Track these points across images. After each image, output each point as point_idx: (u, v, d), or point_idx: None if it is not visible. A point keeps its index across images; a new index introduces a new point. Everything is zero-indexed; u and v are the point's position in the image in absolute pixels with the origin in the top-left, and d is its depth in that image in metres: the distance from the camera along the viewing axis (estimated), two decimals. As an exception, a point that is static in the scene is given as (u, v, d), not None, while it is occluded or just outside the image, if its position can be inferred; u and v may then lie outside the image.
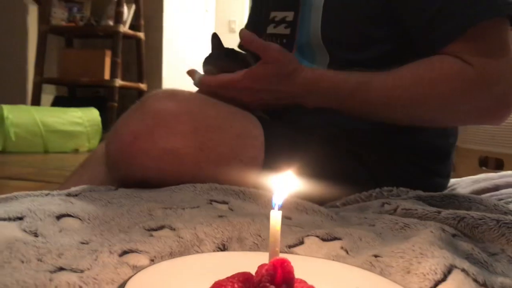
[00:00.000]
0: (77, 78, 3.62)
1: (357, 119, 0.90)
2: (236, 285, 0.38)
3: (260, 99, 0.89)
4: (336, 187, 0.89)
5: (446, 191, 0.98)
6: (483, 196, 0.95)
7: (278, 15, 1.04)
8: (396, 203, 0.75)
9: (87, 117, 3.11)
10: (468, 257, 0.52)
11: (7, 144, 2.80)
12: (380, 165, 0.95)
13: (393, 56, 0.88)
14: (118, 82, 3.52)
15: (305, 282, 0.39)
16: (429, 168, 1.00)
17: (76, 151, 3.03)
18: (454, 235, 0.59)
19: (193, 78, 0.92)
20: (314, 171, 0.84)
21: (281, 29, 1.03)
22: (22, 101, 3.61)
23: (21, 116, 2.87)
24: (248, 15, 1.23)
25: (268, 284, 0.37)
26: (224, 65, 0.91)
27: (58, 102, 3.79)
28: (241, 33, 0.85)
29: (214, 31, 0.99)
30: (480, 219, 0.62)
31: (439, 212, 0.67)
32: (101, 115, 3.16)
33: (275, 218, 0.40)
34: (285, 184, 0.40)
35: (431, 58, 0.84)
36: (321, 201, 0.84)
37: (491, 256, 0.55)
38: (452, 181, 1.23)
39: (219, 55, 0.95)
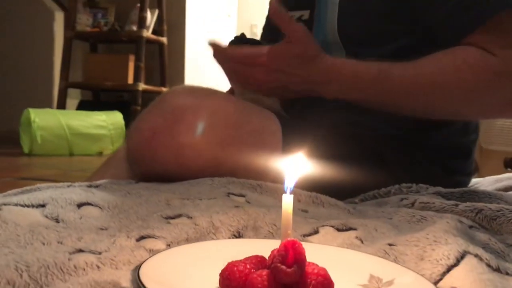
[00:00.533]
0: (101, 82, 3.68)
1: (378, 112, 0.88)
2: (248, 266, 0.39)
3: (276, 79, 0.87)
4: (355, 185, 0.89)
5: (466, 188, 0.97)
6: (505, 193, 0.94)
7: (295, 14, 1.05)
8: (414, 198, 0.75)
9: (111, 121, 3.15)
10: (485, 247, 0.52)
11: (33, 147, 2.86)
12: (399, 163, 0.95)
13: (410, 51, 0.87)
14: (142, 86, 3.56)
15: (316, 264, 0.40)
16: (450, 166, 0.99)
17: (100, 153, 3.08)
18: (471, 227, 0.59)
19: (214, 49, 0.90)
20: (333, 168, 0.84)
21: None
22: (49, 105, 3.68)
23: (47, 119, 2.94)
24: (266, 16, 1.23)
25: (279, 265, 0.38)
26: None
27: (83, 106, 3.85)
28: (270, 3, 0.83)
29: (236, 35, 0.99)
30: (498, 211, 0.62)
31: (457, 205, 0.66)
32: (124, 118, 3.21)
33: (287, 201, 0.41)
34: (296, 167, 0.41)
35: (453, 48, 0.82)
36: (339, 198, 0.84)
37: (508, 247, 0.55)
38: (475, 180, 1.22)
39: (242, 40, 0.96)
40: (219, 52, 0.90)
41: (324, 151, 0.85)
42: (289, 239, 0.39)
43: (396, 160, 0.94)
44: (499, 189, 1.06)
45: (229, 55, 0.88)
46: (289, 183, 0.41)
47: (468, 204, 0.65)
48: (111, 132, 3.15)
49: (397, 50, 0.90)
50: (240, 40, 0.98)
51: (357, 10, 0.92)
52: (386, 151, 0.94)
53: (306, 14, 1.02)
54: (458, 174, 1.01)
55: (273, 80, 0.86)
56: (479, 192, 0.83)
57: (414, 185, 0.88)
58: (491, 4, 0.79)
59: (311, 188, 0.78)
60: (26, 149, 2.90)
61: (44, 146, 2.88)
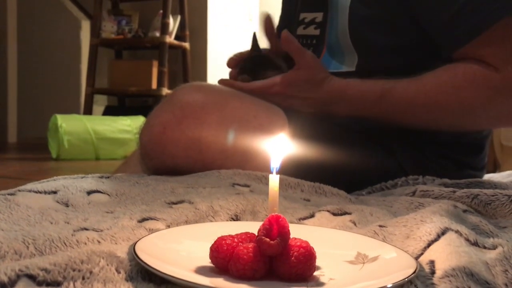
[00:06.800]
0: (126, 88, 3.76)
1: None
2: (236, 240, 0.42)
3: (291, 104, 0.91)
4: (366, 179, 0.91)
5: (472, 179, 0.97)
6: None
7: (308, 16, 1.06)
8: (415, 187, 0.77)
9: (135, 125, 3.22)
10: (475, 228, 0.54)
11: (61, 152, 2.95)
12: (411, 158, 0.96)
13: (421, 59, 0.89)
14: (165, 91, 3.63)
15: (299, 239, 0.42)
16: (461, 161, 1.00)
17: (125, 157, 3.14)
18: (465, 211, 0.61)
19: (224, 84, 0.95)
20: (341, 163, 0.86)
21: (311, 30, 1.05)
22: (76, 112, 3.78)
23: (73, 124, 3.02)
24: (279, 17, 1.26)
25: (263, 237, 0.40)
26: (258, 73, 0.96)
27: (109, 111, 3.94)
28: (283, 34, 0.89)
29: (258, 40, 1.03)
30: (493, 196, 0.63)
31: (455, 192, 0.68)
32: (148, 122, 3.27)
33: (273, 181, 0.44)
34: (281, 148, 0.44)
35: (455, 64, 0.84)
36: (347, 191, 0.86)
37: (500, 229, 0.56)
38: (489, 175, 1.22)
39: (253, 63, 0.99)
40: (231, 86, 0.94)
41: (332, 143, 0.88)
42: (274, 214, 0.41)
43: (406, 154, 0.96)
44: (512, 182, 1.06)
45: (242, 90, 0.93)
46: (275, 164, 0.43)
47: (465, 190, 0.67)
48: (136, 136, 3.21)
49: (408, 57, 0.92)
50: (255, 47, 1.01)
51: (365, 14, 0.93)
52: (397, 144, 0.95)
53: (319, 16, 1.03)
54: (470, 169, 1.02)
55: (289, 105, 0.91)
56: (485, 183, 0.84)
57: (421, 177, 0.90)
58: (493, 10, 0.79)
59: (319, 179, 0.80)
60: (54, 154, 3.00)
61: (71, 151, 2.96)
